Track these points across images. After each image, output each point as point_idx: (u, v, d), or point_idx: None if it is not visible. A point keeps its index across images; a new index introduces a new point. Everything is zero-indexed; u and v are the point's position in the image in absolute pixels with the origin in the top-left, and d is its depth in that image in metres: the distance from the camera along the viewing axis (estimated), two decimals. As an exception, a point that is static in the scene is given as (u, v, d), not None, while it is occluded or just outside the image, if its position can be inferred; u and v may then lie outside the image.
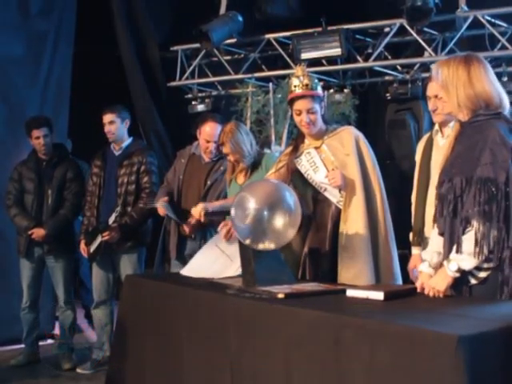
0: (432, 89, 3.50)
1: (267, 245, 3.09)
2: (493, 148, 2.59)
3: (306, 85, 3.53)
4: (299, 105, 3.55)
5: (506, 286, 2.62)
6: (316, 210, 3.66)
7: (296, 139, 3.79)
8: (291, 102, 3.59)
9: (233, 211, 3.12)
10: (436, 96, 3.46)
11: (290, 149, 3.77)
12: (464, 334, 2.03)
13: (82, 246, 4.96)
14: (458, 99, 2.73)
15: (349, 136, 3.62)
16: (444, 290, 2.71)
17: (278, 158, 3.86)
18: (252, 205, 3.03)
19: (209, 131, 4.51)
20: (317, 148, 3.64)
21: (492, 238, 2.57)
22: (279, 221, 3.04)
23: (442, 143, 3.52)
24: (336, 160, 3.57)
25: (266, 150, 4.80)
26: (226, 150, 4.08)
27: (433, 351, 2.04)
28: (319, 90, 3.60)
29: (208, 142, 4.51)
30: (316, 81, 3.62)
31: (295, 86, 3.55)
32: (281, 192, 3.13)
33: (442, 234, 2.76)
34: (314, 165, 3.61)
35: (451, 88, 2.74)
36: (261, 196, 3.06)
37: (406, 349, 2.13)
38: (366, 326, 2.28)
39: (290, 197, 3.12)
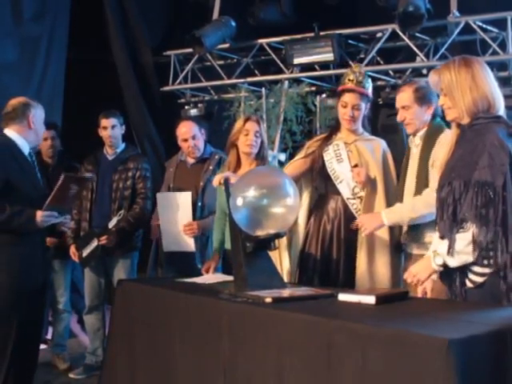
0: (399, 100, 3.55)
1: (266, 231, 3.10)
2: (491, 151, 2.59)
3: (360, 82, 3.70)
4: (347, 97, 3.70)
5: None
6: (321, 206, 3.74)
7: (331, 130, 3.91)
8: (341, 93, 3.74)
9: (232, 198, 3.13)
10: (403, 107, 3.52)
11: (323, 136, 3.89)
12: (454, 337, 2.03)
13: (73, 250, 4.89)
14: (464, 103, 2.72)
15: (379, 146, 3.81)
16: (424, 279, 2.76)
17: (308, 144, 3.93)
18: (251, 192, 3.05)
19: (184, 130, 4.48)
20: (347, 144, 3.77)
21: (488, 241, 2.56)
22: (278, 208, 3.06)
23: (415, 151, 3.57)
24: (362, 159, 3.70)
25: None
26: (250, 131, 3.92)
27: (424, 355, 2.05)
28: (370, 91, 3.75)
29: (186, 140, 4.47)
30: (370, 81, 3.77)
31: (349, 80, 3.70)
32: (280, 179, 3.17)
33: (442, 237, 2.75)
34: (340, 156, 3.74)
35: (456, 93, 2.73)
36: (260, 183, 3.08)
37: (397, 352, 2.14)
38: (358, 331, 2.28)
39: (289, 184, 3.15)
